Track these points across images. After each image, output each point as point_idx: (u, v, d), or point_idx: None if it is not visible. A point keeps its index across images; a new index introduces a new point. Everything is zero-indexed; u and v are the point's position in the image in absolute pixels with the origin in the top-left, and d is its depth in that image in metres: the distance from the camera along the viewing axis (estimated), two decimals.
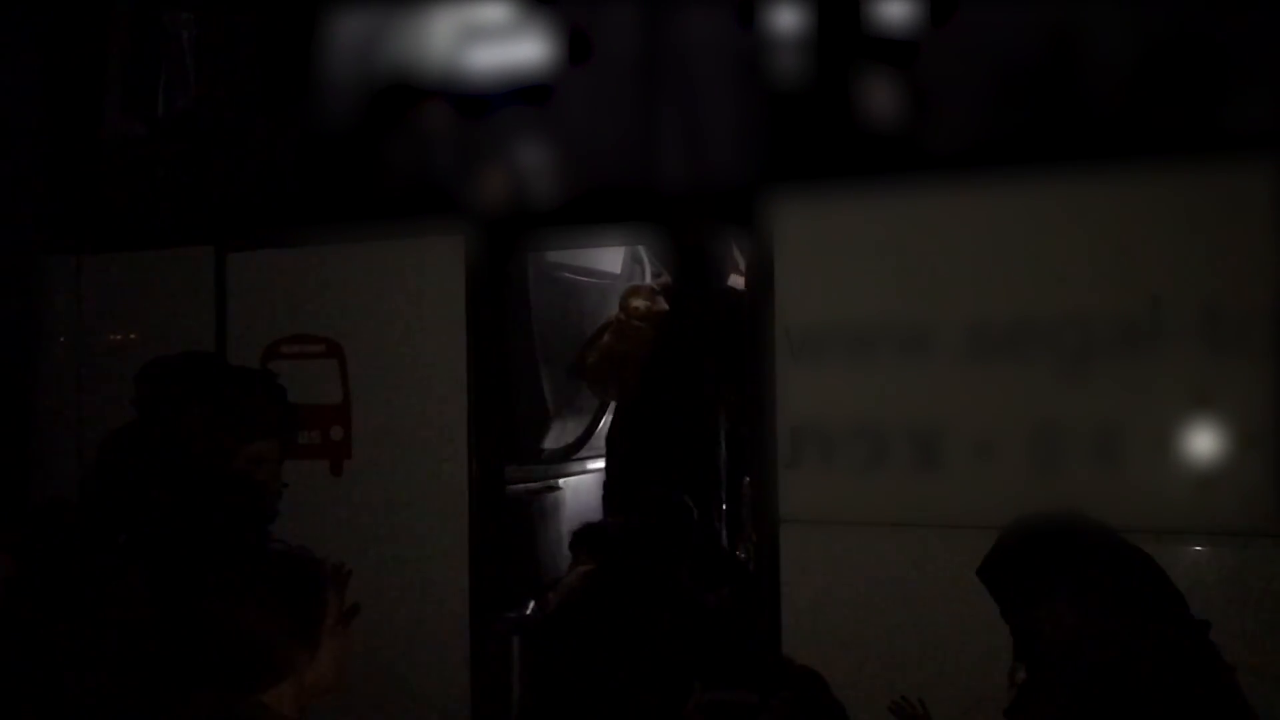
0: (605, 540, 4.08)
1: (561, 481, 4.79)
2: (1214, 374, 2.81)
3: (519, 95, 3.64)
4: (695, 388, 4.50)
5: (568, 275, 4.80)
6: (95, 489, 2.56)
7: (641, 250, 5.19)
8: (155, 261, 4.19)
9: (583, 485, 4.98)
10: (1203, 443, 2.84)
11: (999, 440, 2.98)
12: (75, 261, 4.33)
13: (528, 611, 3.96)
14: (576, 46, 3.56)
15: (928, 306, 3.07)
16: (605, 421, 4.99)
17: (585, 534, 4.23)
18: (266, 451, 2.62)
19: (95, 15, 4.43)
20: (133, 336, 4.21)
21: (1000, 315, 3.00)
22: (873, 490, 3.10)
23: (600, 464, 5.00)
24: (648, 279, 5.27)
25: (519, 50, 3.66)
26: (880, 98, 3.21)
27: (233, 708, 1.93)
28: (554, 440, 4.76)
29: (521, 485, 4.49)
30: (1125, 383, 2.88)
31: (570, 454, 4.87)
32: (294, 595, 1.99)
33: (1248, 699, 2.00)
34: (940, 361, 3.05)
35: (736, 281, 4.46)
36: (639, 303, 4.65)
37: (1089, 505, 2.87)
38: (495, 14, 3.71)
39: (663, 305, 4.65)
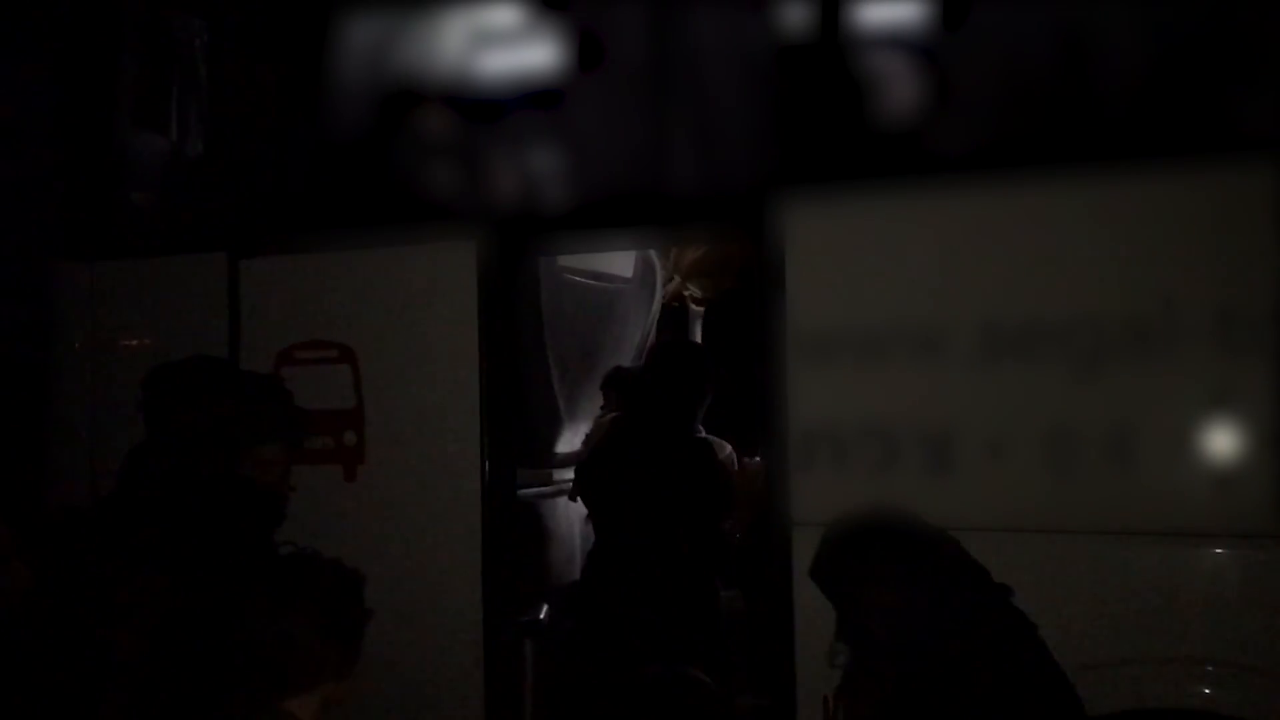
0: (629, 383, 4.42)
1: None
2: (1228, 375, 2.80)
3: (530, 100, 3.65)
4: None
5: (579, 279, 4.80)
6: (108, 496, 2.58)
7: (653, 254, 5.19)
8: (168, 267, 4.20)
9: None
10: (1217, 445, 2.83)
11: (1011, 442, 2.98)
12: (89, 267, 4.35)
13: (540, 616, 3.96)
14: (587, 51, 3.57)
15: (939, 308, 3.07)
16: None
17: (614, 378, 4.61)
18: (273, 455, 2.63)
19: (108, 23, 4.45)
20: (146, 342, 4.22)
21: (1012, 317, 2.99)
22: (885, 493, 3.09)
23: None
24: (659, 283, 5.28)
25: (530, 55, 3.67)
26: (892, 100, 3.21)
27: (257, 716, 1.94)
28: (566, 444, 4.76)
29: (533, 489, 4.49)
30: (1138, 384, 2.87)
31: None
32: (340, 606, 2.01)
33: (1052, 653, 2.21)
34: (952, 363, 3.04)
35: None
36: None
37: (1102, 507, 2.89)
38: (506, 19, 3.72)
39: None
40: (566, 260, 4.65)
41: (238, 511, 2.43)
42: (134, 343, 4.27)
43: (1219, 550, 2.83)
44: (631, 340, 5.15)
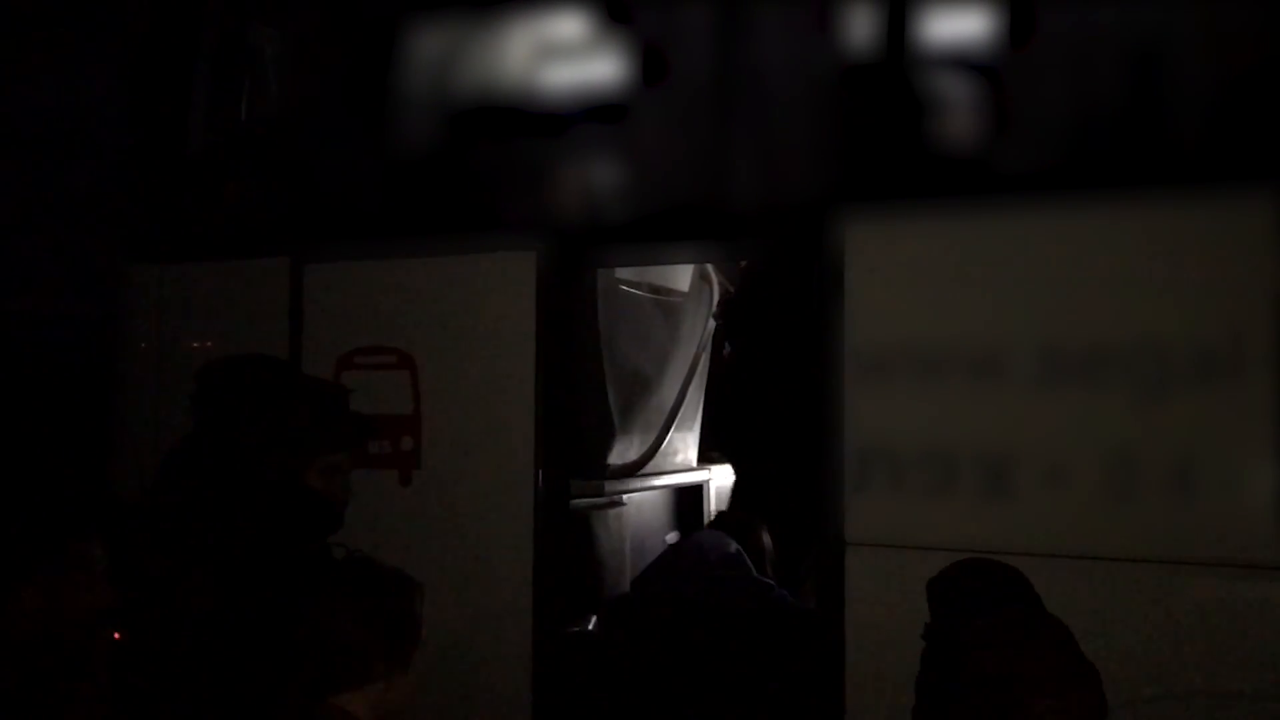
0: None
1: (626, 498, 4.79)
2: None
3: (593, 113, 3.68)
4: None
5: (636, 292, 4.82)
6: (155, 489, 2.59)
7: (710, 268, 5.19)
8: (233, 271, 4.27)
9: (646, 502, 4.98)
10: None
11: (1072, 468, 2.94)
12: (157, 270, 4.43)
13: (590, 627, 3.97)
14: (651, 65, 3.58)
15: (1000, 330, 3.04)
16: (669, 438, 5.00)
17: None
18: (340, 461, 2.65)
19: (181, 30, 4.55)
20: (209, 344, 4.29)
21: (1075, 341, 2.95)
22: (942, 516, 3.07)
23: (665, 480, 5.00)
24: (715, 296, 5.28)
25: (594, 69, 3.70)
26: (956, 119, 3.19)
27: (310, 710, 1.97)
28: (618, 456, 4.77)
29: (586, 500, 4.50)
30: (1204, 412, 2.83)
31: (635, 470, 4.87)
32: (392, 609, 2.06)
33: None
34: (1013, 386, 3.01)
35: None
36: None
37: (1166, 536, 2.84)
38: (571, 33, 3.75)
39: None
40: (624, 273, 4.67)
41: (298, 516, 2.46)
42: (198, 345, 4.34)
43: None
44: (687, 355, 5.15)
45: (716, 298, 5.27)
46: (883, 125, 3.28)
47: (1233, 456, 2.82)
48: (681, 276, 5.14)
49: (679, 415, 5.07)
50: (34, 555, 2.19)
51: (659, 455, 4.96)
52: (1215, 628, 2.80)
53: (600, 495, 4.65)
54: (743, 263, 5.07)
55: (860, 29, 3.27)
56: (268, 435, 2.52)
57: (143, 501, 2.59)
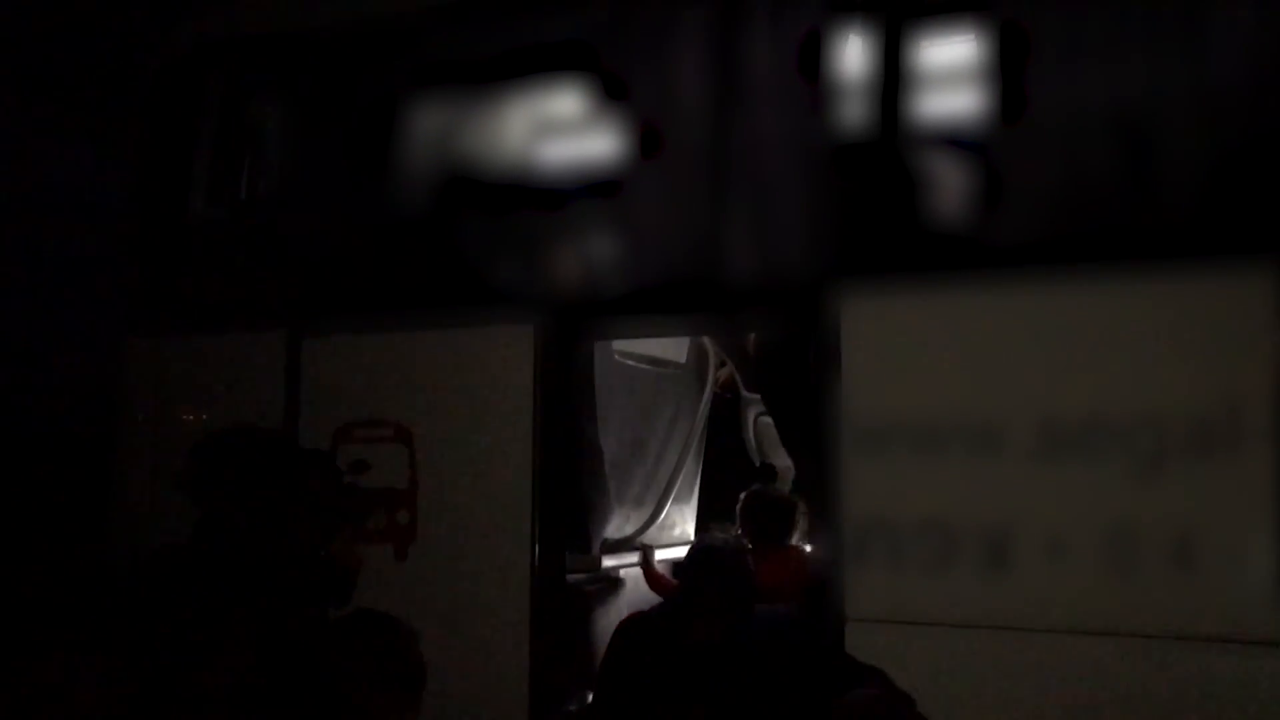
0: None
1: (623, 573, 4.76)
2: None
3: (590, 188, 3.72)
4: None
5: (633, 364, 4.83)
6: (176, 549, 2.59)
7: (707, 341, 5.21)
8: (231, 344, 4.29)
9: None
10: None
11: (1071, 542, 2.93)
12: (156, 343, 4.44)
13: (588, 703, 3.91)
14: (647, 141, 3.63)
15: (998, 404, 3.05)
16: (666, 511, 4.99)
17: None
18: (354, 534, 2.68)
19: (183, 106, 4.60)
20: (205, 417, 4.29)
21: (1072, 414, 2.96)
22: (941, 590, 3.05)
23: (666, 555, 4.98)
24: (711, 371, 5.30)
25: (591, 144, 3.75)
26: (950, 194, 3.23)
27: None
28: (616, 530, 4.74)
29: (582, 575, 4.47)
30: (1202, 486, 2.83)
31: (631, 544, 4.85)
32: (404, 654, 2.12)
33: None
34: (1011, 460, 3.01)
35: None
36: None
37: (1166, 611, 2.83)
38: (567, 109, 3.81)
39: None
40: (621, 345, 4.68)
41: (328, 588, 2.49)
42: (193, 417, 4.34)
43: None
44: (684, 427, 5.15)
45: (713, 370, 5.29)
46: (877, 201, 3.32)
47: (1232, 530, 2.81)
48: (678, 348, 5.16)
49: (676, 487, 5.05)
50: (50, 631, 2.23)
51: (656, 528, 4.93)
52: (1216, 703, 2.77)
53: (596, 569, 4.62)
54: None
55: (854, 107, 3.32)
56: (295, 513, 2.54)
57: (161, 573, 2.58)
